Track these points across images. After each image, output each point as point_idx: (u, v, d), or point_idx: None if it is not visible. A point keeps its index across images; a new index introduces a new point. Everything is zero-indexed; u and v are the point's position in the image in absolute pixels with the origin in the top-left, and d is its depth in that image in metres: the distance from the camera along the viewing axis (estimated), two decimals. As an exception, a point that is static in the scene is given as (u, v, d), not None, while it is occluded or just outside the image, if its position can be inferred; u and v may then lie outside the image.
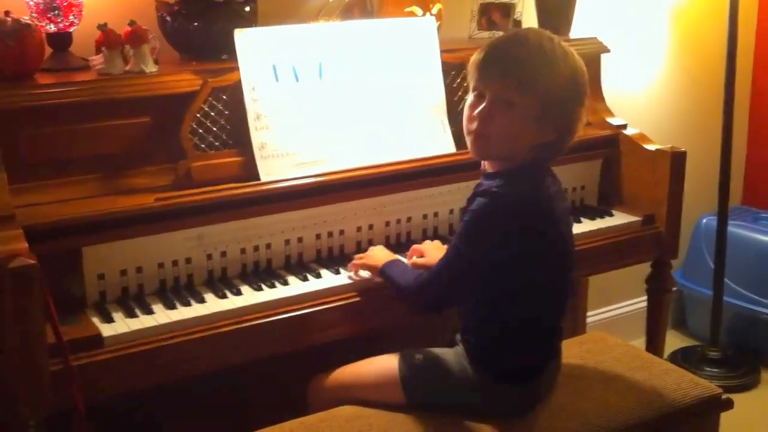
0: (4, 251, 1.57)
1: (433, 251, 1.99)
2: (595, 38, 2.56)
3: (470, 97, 1.76)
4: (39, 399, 1.58)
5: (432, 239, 2.16)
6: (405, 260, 2.01)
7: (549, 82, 1.69)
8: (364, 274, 1.95)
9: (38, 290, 1.55)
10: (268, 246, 1.99)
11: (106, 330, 1.69)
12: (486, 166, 1.82)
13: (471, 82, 1.77)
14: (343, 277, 1.96)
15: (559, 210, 1.79)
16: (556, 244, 1.79)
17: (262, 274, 1.97)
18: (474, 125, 1.73)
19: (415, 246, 2.05)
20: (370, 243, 2.12)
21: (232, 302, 1.82)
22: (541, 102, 1.69)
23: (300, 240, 2.03)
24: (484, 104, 1.71)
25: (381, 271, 1.89)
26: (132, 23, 1.95)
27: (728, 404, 1.96)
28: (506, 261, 1.71)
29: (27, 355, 1.56)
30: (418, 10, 2.35)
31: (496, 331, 1.79)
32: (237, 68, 1.97)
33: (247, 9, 2.12)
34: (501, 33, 2.52)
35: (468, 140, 1.78)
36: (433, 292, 1.79)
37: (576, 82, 1.72)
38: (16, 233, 1.62)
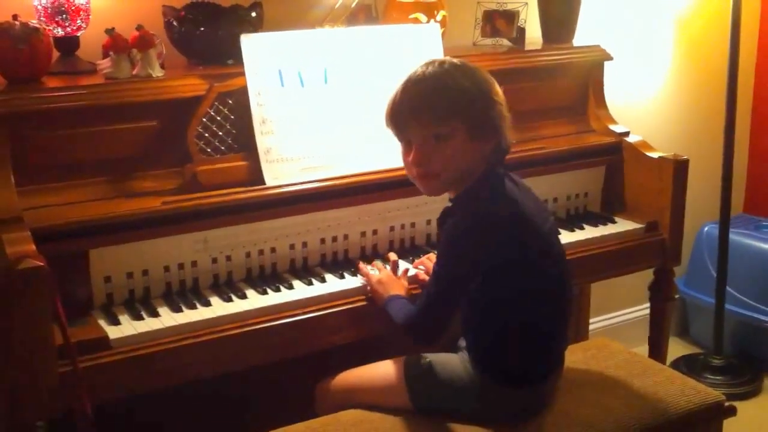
0: (13, 253, 1.58)
1: None
2: (599, 46, 2.57)
3: (400, 148, 1.80)
4: (46, 400, 1.59)
5: (436, 245, 2.17)
6: (410, 267, 2.03)
7: (459, 99, 1.72)
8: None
9: (46, 292, 1.56)
10: (273, 250, 2.00)
11: (113, 332, 1.70)
12: (449, 196, 1.83)
13: (393, 133, 1.80)
14: (348, 282, 1.97)
15: (528, 211, 1.78)
16: (534, 244, 1.78)
17: (268, 278, 1.98)
18: (415, 170, 1.78)
19: (423, 259, 2.06)
20: (375, 248, 2.13)
21: (237, 306, 1.83)
22: (464, 120, 1.72)
23: (305, 244, 2.04)
24: (414, 150, 1.76)
25: (384, 305, 1.88)
26: (139, 28, 1.96)
27: (731, 411, 1.97)
28: (490, 270, 1.72)
29: (35, 357, 1.57)
30: (422, 17, 2.36)
31: (495, 337, 1.80)
32: (243, 73, 1.98)
33: (254, 14, 2.13)
34: (504, 40, 2.54)
35: (418, 185, 1.81)
36: (425, 322, 1.79)
37: (480, 87, 1.75)
38: (24, 235, 1.64)
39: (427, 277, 1.99)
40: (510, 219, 1.74)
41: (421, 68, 1.78)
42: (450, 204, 1.80)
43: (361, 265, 2.01)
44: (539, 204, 1.86)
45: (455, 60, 1.78)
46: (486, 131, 1.75)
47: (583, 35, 2.65)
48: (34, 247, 1.61)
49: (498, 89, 1.77)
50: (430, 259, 2.05)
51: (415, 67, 1.78)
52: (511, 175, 1.84)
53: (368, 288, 1.94)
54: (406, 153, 1.79)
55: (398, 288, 1.92)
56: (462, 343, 1.89)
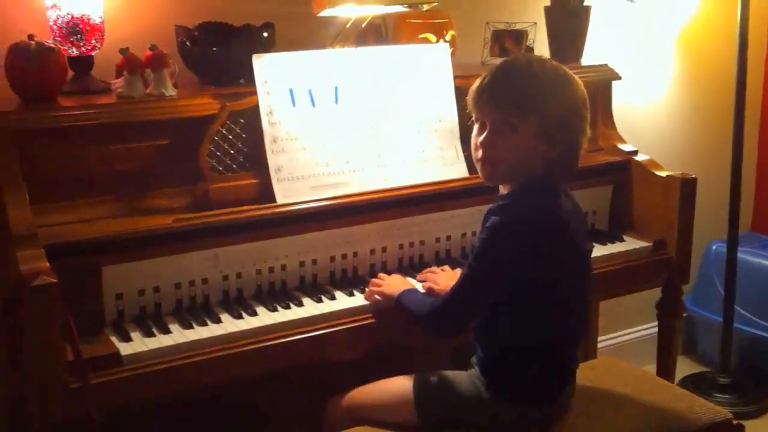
0: (27, 270, 1.60)
1: (445, 280, 2.01)
2: (607, 65, 2.59)
3: (475, 127, 1.82)
4: (55, 414, 1.61)
5: (445, 262, 2.18)
6: (418, 284, 2.03)
7: (543, 100, 1.73)
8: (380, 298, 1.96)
9: (59, 308, 1.58)
10: (283, 267, 2.01)
11: (125, 349, 1.71)
12: (501, 189, 1.85)
13: (472, 113, 1.82)
14: (357, 299, 1.98)
15: (574, 228, 1.80)
16: (572, 262, 1.80)
17: (277, 295, 1.99)
18: (480, 153, 1.79)
19: (430, 269, 2.08)
20: (384, 265, 2.14)
21: (247, 323, 1.85)
22: (540, 120, 1.73)
23: (314, 262, 2.05)
24: (486, 132, 1.77)
25: (397, 301, 1.90)
26: (153, 48, 1.99)
27: (739, 430, 1.97)
28: (521, 278, 1.73)
29: (46, 371, 1.59)
30: (432, 37, 2.38)
31: (510, 355, 1.80)
32: (255, 92, 2.01)
33: (265, 35, 2.16)
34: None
35: (478, 168, 1.83)
36: (449, 314, 1.80)
37: (572, 95, 1.76)
38: (38, 252, 1.65)
39: (432, 286, 2.00)
40: (550, 232, 1.74)
41: (521, 56, 1.80)
42: (498, 203, 1.79)
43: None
44: (583, 225, 1.87)
45: (556, 63, 1.79)
46: (557, 137, 1.75)
47: (589, 54, 2.67)
48: (47, 263, 1.63)
49: (587, 105, 1.79)
50: (433, 272, 2.06)
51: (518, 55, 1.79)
52: (568, 191, 1.84)
53: (376, 295, 1.94)
54: (477, 134, 1.80)
55: (409, 286, 1.93)
56: (474, 360, 1.89)
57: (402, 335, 1.95)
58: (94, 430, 1.62)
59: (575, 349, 1.88)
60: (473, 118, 1.83)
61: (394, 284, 1.95)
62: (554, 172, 1.79)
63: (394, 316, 1.92)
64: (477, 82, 1.80)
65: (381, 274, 2.03)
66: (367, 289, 1.98)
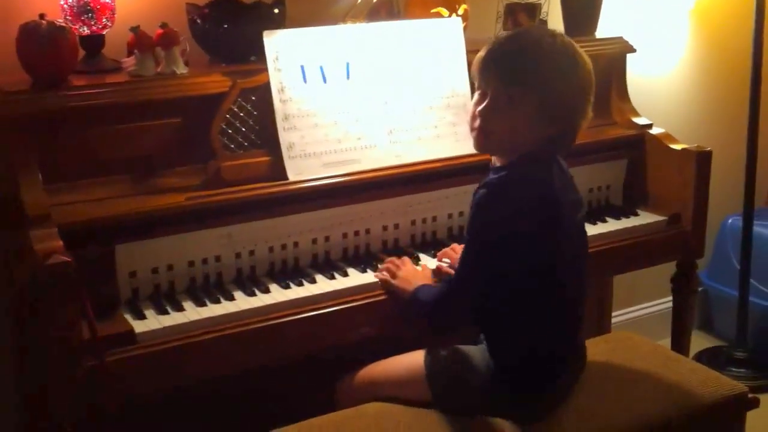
0: (41, 249, 1.61)
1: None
2: (621, 38, 2.57)
3: (475, 95, 1.80)
4: (74, 396, 1.62)
5: (457, 238, 2.18)
6: (434, 262, 2.03)
7: (547, 78, 1.71)
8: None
9: (73, 287, 1.59)
10: (296, 244, 2.02)
11: (139, 327, 1.72)
12: (493, 160, 1.83)
13: (475, 80, 1.80)
14: (370, 276, 1.98)
15: (565, 202, 1.78)
16: (562, 235, 1.77)
17: (290, 272, 2.00)
18: (477, 122, 1.77)
19: (445, 250, 2.07)
20: (396, 242, 2.14)
21: (260, 300, 1.85)
22: (540, 98, 1.71)
23: (327, 239, 2.05)
24: (486, 102, 1.75)
25: (413, 297, 1.87)
26: (163, 25, 1.98)
27: (754, 403, 1.96)
28: (514, 250, 1.71)
29: (63, 351, 1.60)
30: (444, 11, 2.36)
31: (509, 332, 1.79)
32: (265, 69, 2.00)
33: (276, 11, 2.15)
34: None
35: (472, 136, 1.81)
36: (457, 298, 1.79)
37: (578, 77, 1.73)
38: (51, 231, 1.67)
39: (451, 271, 1.98)
40: (539, 202, 1.73)
41: (533, 30, 1.77)
42: (488, 177, 1.77)
43: (377, 273, 1.98)
44: (575, 196, 1.85)
45: (568, 40, 1.76)
46: (556, 118, 1.73)
47: (604, 27, 2.65)
48: (61, 243, 1.65)
49: (593, 87, 1.75)
50: (454, 250, 2.05)
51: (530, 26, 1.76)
52: (560, 161, 1.82)
53: (391, 287, 1.93)
54: (477, 102, 1.77)
55: (423, 279, 1.92)
56: (482, 335, 1.89)
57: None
58: (111, 415, 1.64)
59: (575, 319, 1.86)
60: (476, 86, 1.80)
61: (409, 280, 1.91)
62: (548, 150, 1.77)
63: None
64: (483, 50, 1.77)
65: (392, 259, 2.00)
66: (378, 273, 1.97)
